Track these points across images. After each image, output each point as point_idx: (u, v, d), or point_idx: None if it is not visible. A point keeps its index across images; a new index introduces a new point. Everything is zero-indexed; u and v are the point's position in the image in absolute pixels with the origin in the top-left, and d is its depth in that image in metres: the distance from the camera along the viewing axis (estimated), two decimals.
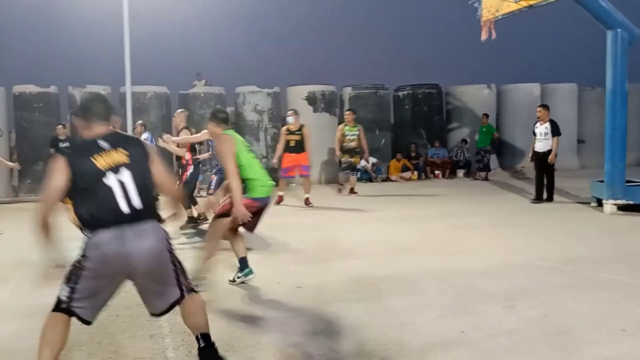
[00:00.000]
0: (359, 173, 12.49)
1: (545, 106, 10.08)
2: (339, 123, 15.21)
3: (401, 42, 29.63)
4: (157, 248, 3.00)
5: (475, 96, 16.00)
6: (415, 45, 29.39)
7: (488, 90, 16.10)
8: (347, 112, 11.82)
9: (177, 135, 8.68)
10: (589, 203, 9.13)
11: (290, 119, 10.30)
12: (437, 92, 16.29)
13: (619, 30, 8.28)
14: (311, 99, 14.97)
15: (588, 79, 16.39)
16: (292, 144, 10.11)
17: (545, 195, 9.62)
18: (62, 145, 12.28)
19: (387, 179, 14.64)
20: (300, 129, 10.15)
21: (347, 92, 15.75)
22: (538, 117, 9.87)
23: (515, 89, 16.19)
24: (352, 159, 11.48)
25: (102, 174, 2.93)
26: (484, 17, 8.74)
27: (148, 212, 3.02)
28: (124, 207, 2.93)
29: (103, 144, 3.01)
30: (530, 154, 10.02)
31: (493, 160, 14.99)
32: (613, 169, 8.45)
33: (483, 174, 14.46)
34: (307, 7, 28.40)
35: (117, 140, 3.08)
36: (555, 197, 9.75)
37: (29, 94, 13.54)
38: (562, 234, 7.03)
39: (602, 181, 8.70)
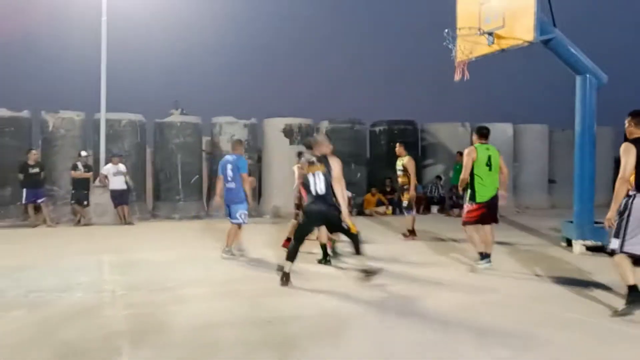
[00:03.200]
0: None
1: None
2: None
3: (379, 79, 30.15)
4: None
5: (450, 134, 16.28)
6: (393, 82, 29.93)
7: (462, 128, 16.38)
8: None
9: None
10: (559, 242, 9.25)
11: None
12: (412, 129, 16.52)
13: (587, 75, 8.56)
14: (288, 132, 15.02)
15: (558, 121, 16.84)
16: None
17: None
18: (31, 171, 12.09)
19: (362, 213, 14.65)
20: None
21: (324, 125, 15.86)
22: None
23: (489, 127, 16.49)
24: None
25: None
26: (458, 59, 8.93)
27: None
28: None
29: None
30: None
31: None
32: (582, 210, 8.60)
33: (457, 210, 14.56)
34: (287, 41, 28.78)
35: None
36: (526, 235, 9.84)
37: (0, 117, 13.29)
38: (531, 273, 7.07)
39: (571, 221, 8.84)
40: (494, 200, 7.14)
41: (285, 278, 6.15)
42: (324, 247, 7.62)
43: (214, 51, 29.20)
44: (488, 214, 7.11)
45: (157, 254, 8.60)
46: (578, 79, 8.65)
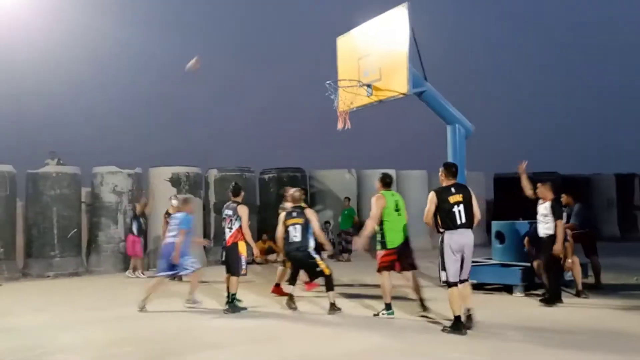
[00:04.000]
0: None
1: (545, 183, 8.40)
2: (204, 205, 15.07)
3: (266, 127, 30.51)
4: None
5: (337, 180, 16.76)
6: (280, 130, 30.43)
7: (349, 174, 16.96)
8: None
9: None
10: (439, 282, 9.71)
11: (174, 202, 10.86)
12: (301, 175, 16.80)
13: (456, 125, 9.28)
14: (175, 181, 14.63)
15: (436, 166, 17.99)
16: None
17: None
18: None
19: (253, 262, 14.44)
20: None
21: (213, 174, 15.67)
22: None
23: (373, 174, 17.18)
24: None
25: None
26: (340, 108, 9.32)
27: None
28: None
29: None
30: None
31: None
32: None
33: (346, 255, 14.87)
34: (172, 85, 28.32)
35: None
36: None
37: None
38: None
39: None
40: (405, 245, 7.22)
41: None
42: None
43: (94, 97, 28.01)
44: (402, 259, 7.15)
45: (26, 317, 7.85)
46: (449, 128, 9.35)
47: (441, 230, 6.23)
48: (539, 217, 8.11)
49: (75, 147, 20.54)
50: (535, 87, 33.31)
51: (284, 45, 31.13)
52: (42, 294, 10.39)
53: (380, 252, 7.15)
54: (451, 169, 6.60)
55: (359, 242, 7.46)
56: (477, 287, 8.92)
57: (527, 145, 30.55)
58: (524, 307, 7.74)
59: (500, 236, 9.80)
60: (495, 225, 10.12)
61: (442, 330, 6.12)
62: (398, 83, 8.51)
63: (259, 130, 30.27)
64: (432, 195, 6.37)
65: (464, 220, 6.18)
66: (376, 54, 8.94)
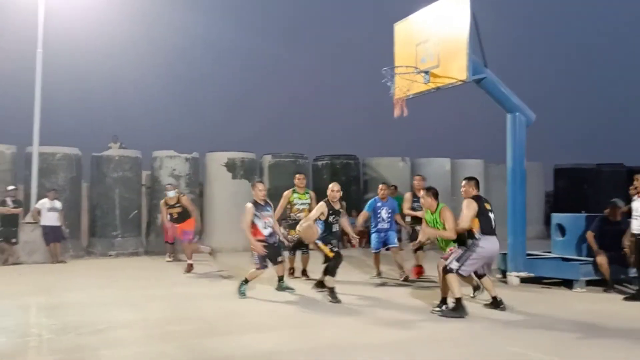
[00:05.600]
0: (308, 251, 9.44)
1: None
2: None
3: (321, 113, 30.58)
4: None
5: (391, 168, 16.60)
6: (335, 117, 30.42)
7: (402, 162, 16.77)
8: (299, 176, 9.64)
9: None
10: (494, 274, 9.50)
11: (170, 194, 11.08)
12: (354, 163, 16.76)
13: (517, 113, 8.98)
14: (230, 166, 14.92)
15: (493, 156, 17.53)
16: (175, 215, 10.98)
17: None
18: None
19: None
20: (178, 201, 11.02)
21: (267, 159, 15.85)
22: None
23: (427, 162, 16.98)
24: None
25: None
26: (396, 96, 9.20)
27: None
28: None
29: None
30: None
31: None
32: (515, 242, 8.89)
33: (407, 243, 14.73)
34: (230, 74, 28.82)
35: None
36: None
37: None
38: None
39: (505, 253, 9.12)
40: None
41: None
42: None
43: (155, 83, 28.84)
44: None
45: (89, 294, 8.23)
46: (508, 117, 9.07)
47: (477, 236, 6.62)
48: (635, 214, 7.54)
49: (137, 131, 21.26)
50: (598, 76, 31.86)
51: (338, 31, 30.97)
52: (104, 272, 10.87)
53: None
54: (477, 182, 6.99)
55: (432, 233, 7.00)
56: (534, 280, 8.71)
57: (589, 135, 29.30)
58: (585, 302, 7.46)
59: (560, 229, 9.48)
60: (556, 217, 9.81)
61: (434, 311, 6.58)
62: (457, 70, 8.30)
63: (315, 117, 30.36)
64: (472, 202, 6.71)
65: (494, 227, 6.76)
66: (435, 39, 8.75)
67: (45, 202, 12.23)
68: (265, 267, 7.65)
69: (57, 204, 12.30)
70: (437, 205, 6.93)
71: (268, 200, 7.84)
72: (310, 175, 16.80)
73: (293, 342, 5.47)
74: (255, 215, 7.56)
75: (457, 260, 6.54)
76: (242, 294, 7.68)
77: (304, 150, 16.67)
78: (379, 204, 9.49)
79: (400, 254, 9.29)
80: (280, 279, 8.10)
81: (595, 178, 18.95)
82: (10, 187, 12.27)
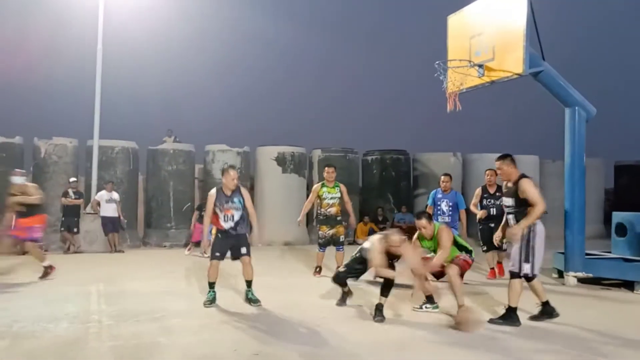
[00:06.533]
0: (342, 247, 8.93)
1: None
2: (307, 185, 15.36)
3: (371, 108, 30.41)
4: None
5: (442, 163, 16.35)
6: (385, 112, 30.20)
7: (454, 158, 16.50)
8: (328, 169, 9.22)
9: None
10: (550, 274, 9.23)
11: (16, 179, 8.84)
12: (404, 158, 16.62)
13: (576, 108, 8.66)
14: (280, 160, 15.08)
15: (549, 152, 17.00)
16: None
17: None
18: None
19: (354, 242, 14.58)
20: None
21: (317, 154, 15.93)
22: None
23: (480, 158, 16.62)
24: (334, 230, 8.85)
25: None
26: (449, 90, 9.01)
27: None
28: None
29: None
30: None
31: None
32: (573, 242, 8.59)
33: None
34: (282, 69, 29.05)
35: None
36: None
37: None
38: (523, 304, 7.01)
39: (563, 252, 8.84)
40: None
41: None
42: None
43: (209, 79, 29.44)
44: None
45: (146, 283, 8.51)
46: (567, 111, 8.75)
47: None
48: None
49: (191, 126, 21.77)
50: None
51: (391, 27, 30.70)
52: (158, 262, 11.21)
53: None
54: (512, 158, 6.62)
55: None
56: (592, 281, 8.41)
57: None
58: None
59: (622, 228, 9.11)
60: (617, 216, 9.42)
61: (491, 321, 5.92)
62: (513, 63, 8.07)
63: (365, 112, 30.25)
64: (530, 180, 6.24)
65: None
66: (490, 32, 8.53)
67: (103, 194, 12.73)
68: (216, 258, 6.71)
69: (115, 196, 12.78)
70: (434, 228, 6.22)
71: (242, 191, 6.86)
72: (360, 170, 16.78)
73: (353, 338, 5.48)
74: (216, 205, 6.69)
75: (526, 261, 5.66)
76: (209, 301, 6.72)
77: (354, 145, 16.68)
78: (439, 196, 9.13)
79: None
80: (248, 284, 6.92)
81: None
82: (72, 179, 12.84)
